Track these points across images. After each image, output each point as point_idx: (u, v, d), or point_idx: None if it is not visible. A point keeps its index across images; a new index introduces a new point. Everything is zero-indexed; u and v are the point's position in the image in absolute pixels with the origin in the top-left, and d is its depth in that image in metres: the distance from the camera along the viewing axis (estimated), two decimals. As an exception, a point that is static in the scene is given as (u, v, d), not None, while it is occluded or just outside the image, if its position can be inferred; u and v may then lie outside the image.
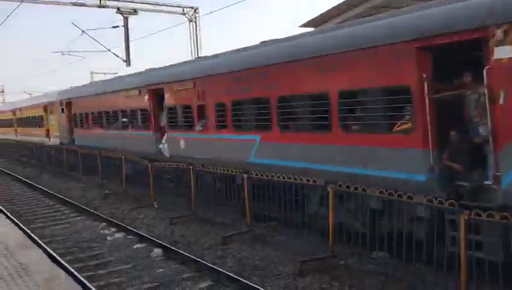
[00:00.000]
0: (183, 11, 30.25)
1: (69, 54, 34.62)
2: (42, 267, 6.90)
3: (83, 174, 22.08)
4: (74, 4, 27.44)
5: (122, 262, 10.06)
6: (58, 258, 9.93)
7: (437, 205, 7.21)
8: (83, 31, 29.14)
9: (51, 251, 10.50)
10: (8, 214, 14.62)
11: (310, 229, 9.77)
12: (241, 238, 10.89)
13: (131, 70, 28.24)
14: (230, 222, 12.12)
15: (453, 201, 7.06)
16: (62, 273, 6.57)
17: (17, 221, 13.63)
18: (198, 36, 30.37)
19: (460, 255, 6.72)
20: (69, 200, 17.01)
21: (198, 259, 9.41)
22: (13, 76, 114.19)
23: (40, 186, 20.54)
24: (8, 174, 26.29)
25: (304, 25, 22.05)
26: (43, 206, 17.03)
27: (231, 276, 8.33)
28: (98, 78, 45.66)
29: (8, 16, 21.22)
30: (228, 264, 9.33)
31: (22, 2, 23.73)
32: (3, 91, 75.15)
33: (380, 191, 8.05)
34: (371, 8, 19.63)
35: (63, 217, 15.06)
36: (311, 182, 9.58)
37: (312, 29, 19.76)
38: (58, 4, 27.38)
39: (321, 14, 21.33)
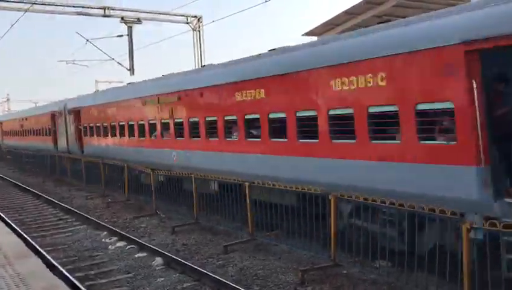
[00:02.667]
0: (187, 20, 30.42)
1: (73, 63, 34.84)
2: (41, 276, 6.84)
3: (87, 183, 22.06)
4: (79, 14, 27.69)
5: (123, 271, 10.00)
6: (59, 267, 9.89)
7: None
8: (87, 40, 29.34)
9: (52, 260, 10.47)
10: (10, 222, 14.61)
11: (312, 238, 9.68)
12: (243, 247, 10.82)
13: (135, 79, 28.36)
14: (232, 230, 12.06)
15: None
16: (60, 283, 6.49)
17: (19, 229, 13.62)
18: (202, 45, 30.51)
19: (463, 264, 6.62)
20: (72, 208, 16.98)
21: (199, 268, 9.33)
22: (19, 84, 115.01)
23: (43, 195, 20.53)
24: (11, 182, 26.32)
25: (307, 34, 22.07)
26: (46, 214, 17.01)
27: (232, 285, 8.25)
28: (102, 87, 45.93)
29: (12, 25, 21.39)
30: (229, 274, 9.26)
31: (26, 11, 23.90)
32: (8, 100, 75.66)
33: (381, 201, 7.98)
34: (374, 16, 19.60)
35: (65, 225, 15.03)
36: (312, 191, 9.51)
37: (315, 38, 19.79)
38: (63, 14, 27.59)
39: (323, 24, 21.33)
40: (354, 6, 19.67)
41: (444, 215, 7.03)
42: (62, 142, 27.54)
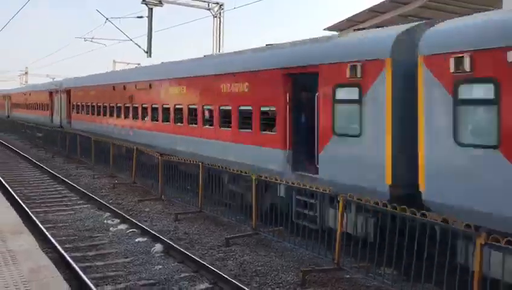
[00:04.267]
0: (209, 6, 30.05)
1: (91, 41, 34.75)
2: (31, 255, 6.66)
3: (95, 163, 21.97)
4: (100, -9, 27.43)
5: (122, 255, 9.83)
6: (57, 245, 9.76)
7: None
8: (106, 19, 29.17)
9: (51, 237, 10.35)
10: (15, 196, 14.54)
11: (317, 238, 9.39)
12: (245, 240, 10.57)
13: (152, 61, 28.14)
14: (235, 222, 11.81)
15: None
16: (49, 264, 6.31)
17: (22, 203, 13.54)
18: (221, 32, 30.15)
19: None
20: (77, 186, 16.88)
21: (198, 259, 9.10)
22: (37, 59, 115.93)
23: (51, 170, 20.49)
24: (21, 155, 26.36)
25: (329, 28, 21.66)
26: (51, 190, 16.93)
27: (230, 280, 8.01)
28: (120, 67, 45.89)
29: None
30: (229, 267, 9.02)
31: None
32: (26, 73, 76.18)
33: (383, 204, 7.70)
34: (399, 16, 19.14)
35: (69, 203, 14.92)
36: (321, 190, 9.22)
37: (336, 32, 19.37)
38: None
39: (346, 19, 20.90)
40: (378, 4, 19.23)
41: (457, 228, 6.71)
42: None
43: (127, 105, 20.18)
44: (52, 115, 32.99)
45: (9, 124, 47.07)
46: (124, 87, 20.44)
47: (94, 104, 24.66)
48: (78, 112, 27.54)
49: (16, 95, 48.82)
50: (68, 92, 29.19)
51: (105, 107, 23.13)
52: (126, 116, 20.49)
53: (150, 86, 18.10)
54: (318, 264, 8.96)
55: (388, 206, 7.66)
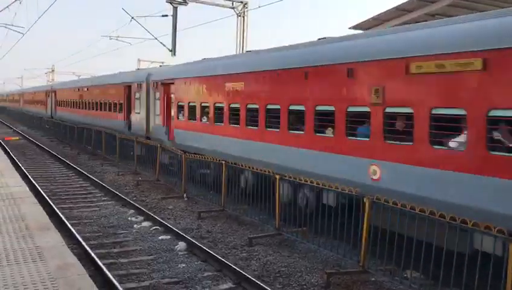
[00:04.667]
0: (233, 4, 30.05)
1: (116, 39, 35.06)
2: (57, 253, 6.71)
3: (120, 160, 22.20)
4: (126, -10, 27.69)
5: (145, 253, 9.86)
6: (82, 242, 9.86)
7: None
8: (132, 18, 29.41)
9: (76, 234, 10.46)
10: (42, 192, 14.76)
11: (342, 239, 9.26)
12: (268, 241, 10.51)
13: (176, 60, 28.21)
14: (259, 222, 11.76)
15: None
16: (76, 261, 6.35)
17: (49, 200, 13.74)
18: (245, 31, 30.11)
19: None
20: (102, 183, 17.06)
21: (221, 258, 9.07)
22: (63, 57, 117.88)
23: (76, 166, 20.78)
24: (48, 152, 26.81)
25: (354, 27, 21.41)
26: (76, 187, 17.16)
27: (253, 280, 7.95)
28: (144, 66, 46.16)
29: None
30: (252, 268, 8.96)
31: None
32: (53, 71, 77.52)
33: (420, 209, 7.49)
34: (426, 15, 18.80)
35: (94, 199, 15.09)
36: (347, 191, 9.09)
37: (361, 31, 19.13)
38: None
39: (372, 18, 20.62)
40: (405, 2, 18.91)
41: (490, 232, 6.52)
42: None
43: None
44: (129, 119, 23.97)
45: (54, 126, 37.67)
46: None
47: (221, 103, 15.07)
48: (188, 118, 17.51)
49: (62, 91, 38.92)
50: (166, 86, 19.71)
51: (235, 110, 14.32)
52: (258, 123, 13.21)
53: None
54: (343, 266, 8.85)
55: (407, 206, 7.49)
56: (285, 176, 10.81)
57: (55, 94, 41.32)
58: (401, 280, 7.83)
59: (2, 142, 29.39)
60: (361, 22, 21.03)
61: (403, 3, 18.96)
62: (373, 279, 8.30)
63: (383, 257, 8.21)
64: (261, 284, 7.77)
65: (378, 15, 20.23)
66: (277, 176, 10.84)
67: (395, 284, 7.98)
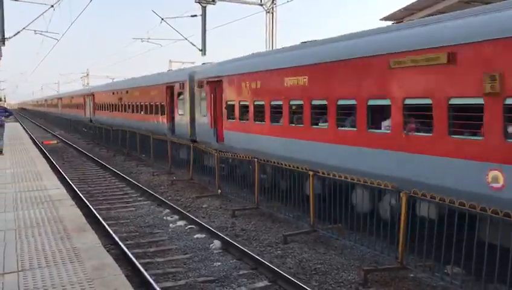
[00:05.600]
0: (261, 1, 29.96)
1: (147, 41, 35.53)
2: (94, 253, 6.82)
3: (154, 160, 22.49)
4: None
5: (181, 251, 9.92)
6: (120, 243, 9.99)
7: None
8: (162, 19, 29.71)
9: (113, 234, 10.62)
10: (80, 195, 15.08)
11: (379, 235, 9.06)
12: (303, 238, 10.40)
13: (206, 59, 28.35)
14: (292, 219, 11.66)
15: None
16: (112, 262, 6.42)
17: (87, 202, 14.01)
18: (274, 27, 29.98)
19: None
20: (138, 183, 17.31)
21: (257, 256, 9.03)
22: (96, 61, 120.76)
23: (112, 168, 21.16)
24: (85, 154, 27.42)
25: (385, 18, 20.97)
26: (113, 188, 17.46)
27: (289, 278, 7.87)
28: (176, 67, 46.57)
29: (91, 0, 21.65)
30: (287, 265, 8.88)
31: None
32: (87, 75, 79.38)
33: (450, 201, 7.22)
34: (460, 2, 18.22)
35: (130, 200, 15.31)
36: (382, 186, 8.87)
37: (392, 22, 18.70)
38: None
39: (404, 8, 20.16)
40: (437, -10, 18.40)
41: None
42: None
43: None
44: (173, 122, 22.59)
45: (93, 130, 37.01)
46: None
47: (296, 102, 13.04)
48: (242, 118, 15.92)
49: (101, 94, 37.86)
50: (214, 84, 17.76)
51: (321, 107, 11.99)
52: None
53: None
54: (380, 263, 8.66)
55: (456, 203, 7.24)
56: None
57: (93, 97, 40.05)
58: (442, 276, 7.60)
59: (41, 146, 30.23)
60: (393, 13, 20.58)
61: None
62: (412, 275, 8.09)
63: (421, 252, 7.98)
64: (297, 282, 7.68)
65: (410, 5, 19.75)
66: (311, 173, 10.70)
67: (436, 281, 7.74)
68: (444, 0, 18.61)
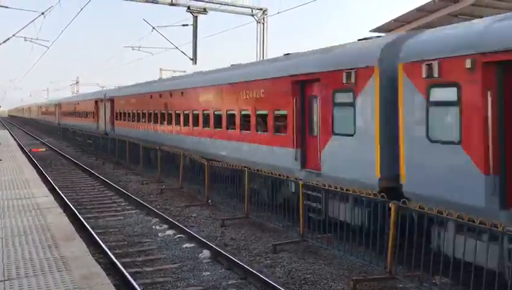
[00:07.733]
0: (252, 12, 30.14)
1: (139, 50, 35.53)
2: (83, 262, 6.75)
3: (144, 168, 22.38)
4: (147, 1, 28.05)
5: (170, 261, 9.87)
6: (108, 252, 9.92)
7: None
8: (153, 28, 29.74)
9: (102, 243, 10.54)
10: (68, 203, 14.95)
11: (367, 245, 9.09)
12: (293, 247, 10.40)
13: (197, 68, 28.37)
14: (282, 229, 11.65)
15: None
16: (101, 271, 6.36)
17: (75, 211, 13.89)
18: (265, 37, 30.14)
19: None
20: (126, 192, 17.20)
21: (246, 266, 9.00)
22: (87, 68, 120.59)
23: (101, 176, 21.02)
24: (73, 162, 27.21)
25: (375, 30, 21.19)
26: (101, 196, 17.34)
27: (279, 288, 7.85)
28: (166, 74, 46.44)
29: (82, 9, 21.49)
30: (277, 275, 8.87)
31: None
32: (77, 82, 79.06)
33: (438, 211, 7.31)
34: (449, 15, 18.48)
35: (118, 208, 15.21)
36: (371, 196, 8.93)
37: (383, 34, 18.92)
38: (132, 0, 28.01)
39: (393, 20, 20.39)
40: (427, 3, 18.63)
41: None
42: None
43: None
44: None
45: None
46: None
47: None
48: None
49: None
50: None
51: None
52: None
53: None
54: (369, 273, 8.68)
55: (457, 216, 7.30)
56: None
57: (112, 103, 31.31)
58: (430, 286, 7.63)
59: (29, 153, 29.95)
60: (383, 24, 20.80)
61: (423, 5, 18.68)
62: (401, 285, 8.12)
63: (410, 262, 8.02)
64: (286, 291, 7.68)
65: (400, 17, 19.98)
66: (300, 182, 10.74)
67: (424, 291, 7.77)
68: (433, 13, 18.89)
